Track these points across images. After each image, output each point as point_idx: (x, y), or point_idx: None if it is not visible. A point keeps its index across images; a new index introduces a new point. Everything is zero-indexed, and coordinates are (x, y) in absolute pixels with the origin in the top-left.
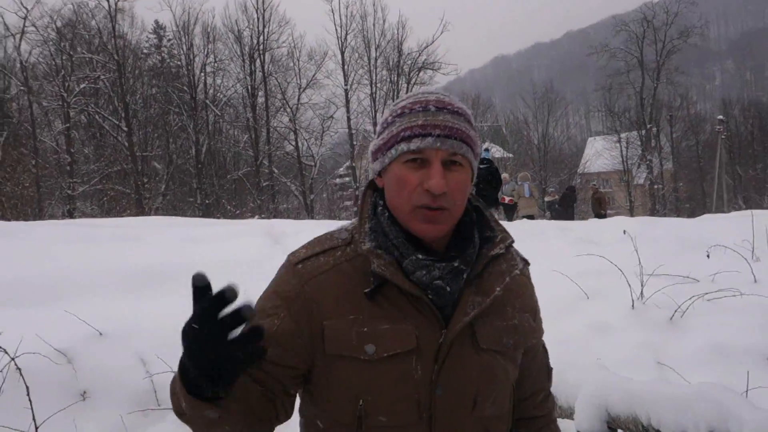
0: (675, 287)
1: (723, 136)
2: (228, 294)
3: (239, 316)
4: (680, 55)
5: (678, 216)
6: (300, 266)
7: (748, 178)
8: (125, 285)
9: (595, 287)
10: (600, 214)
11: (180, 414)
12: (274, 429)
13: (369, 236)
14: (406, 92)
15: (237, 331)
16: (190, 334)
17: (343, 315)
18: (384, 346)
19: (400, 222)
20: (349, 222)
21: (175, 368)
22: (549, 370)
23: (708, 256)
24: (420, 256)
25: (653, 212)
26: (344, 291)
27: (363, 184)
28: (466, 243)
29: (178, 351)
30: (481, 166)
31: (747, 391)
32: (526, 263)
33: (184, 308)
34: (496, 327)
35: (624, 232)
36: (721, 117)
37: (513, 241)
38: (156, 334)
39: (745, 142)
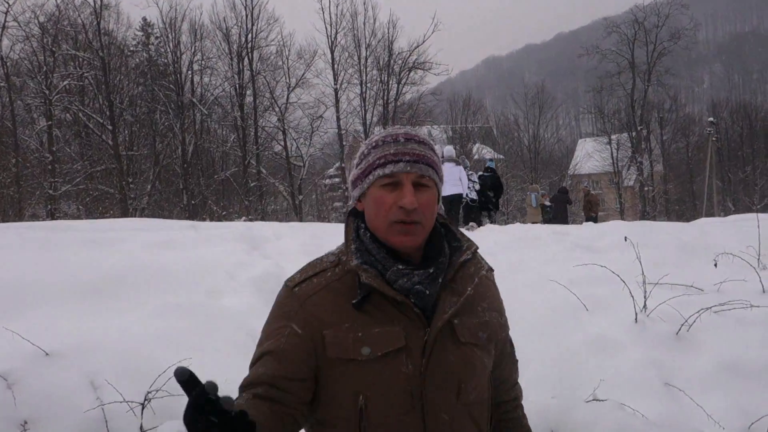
0: (680, 298)
1: (713, 139)
2: (210, 390)
3: (223, 406)
4: (670, 58)
5: (668, 218)
6: (296, 289)
7: (736, 180)
8: (82, 296)
9: (594, 297)
10: (591, 217)
11: None
12: None
13: (355, 255)
14: (397, 92)
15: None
16: (190, 422)
17: (339, 324)
18: (377, 347)
19: (380, 239)
20: (335, 248)
21: (130, 396)
22: (515, 361)
23: (716, 264)
24: (400, 267)
25: (643, 214)
26: (337, 305)
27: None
28: (438, 253)
29: (136, 374)
30: (486, 174)
31: None
32: (491, 269)
33: (148, 324)
34: (472, 324)
35: (625, 238)
36: (711, 119)
37: (477, 248)
38: (112, 354)
39: (733, 144)
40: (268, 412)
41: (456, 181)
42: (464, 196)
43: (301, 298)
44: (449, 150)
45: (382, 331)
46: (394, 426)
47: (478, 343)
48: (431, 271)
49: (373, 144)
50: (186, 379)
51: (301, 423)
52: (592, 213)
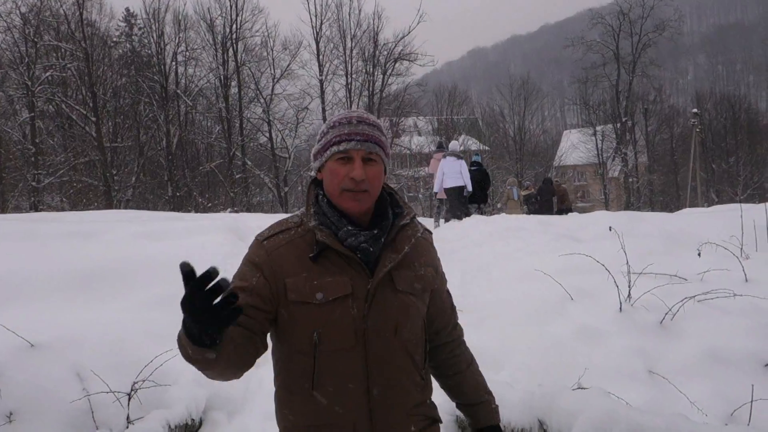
0: (664, 288)
1: (698, 130)
2: (212, 273)
3: (220, 287)
4: (655, 49)
5: (652, 208)
6: (265, 242)
7: (720, 171)
8: (67, 288)
9: (579, 287)
10: (561, 210)
11: (187, 358)
12: (256, 359)
13: (314, 217)
14: (383, 83)
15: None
16: (186, 304)
17: (299, 273)
18: (329, 293)
19: (334, 204)
20: (299, 211)
21: (116, 387)
22: (453, 307)
23: (699, 254)
24: (350, 228)
25: (628, 205)
26: (297, 257)
27: None
28: (383, 218)
29: (122, 366)
30: (473, 168)
31: (752, 403)
32: (429, 232)
33: (134, 315)
34: (408, 276)
35: (610, 228)
36: (695, 110)
37: (416, 215)
38: (99, 346)
39: (717, 135)
40: (238, 331)
41: (457, 174)
42: (466, 188)
43: (269, 250)
44: (453, 145)
45: (333, 281)
46: (342, 357)
47: (414, 292)
48: (375, 232)
49: (331, 124)
50: (187, 270)
51: (259, 351)
52: (562, 206)
